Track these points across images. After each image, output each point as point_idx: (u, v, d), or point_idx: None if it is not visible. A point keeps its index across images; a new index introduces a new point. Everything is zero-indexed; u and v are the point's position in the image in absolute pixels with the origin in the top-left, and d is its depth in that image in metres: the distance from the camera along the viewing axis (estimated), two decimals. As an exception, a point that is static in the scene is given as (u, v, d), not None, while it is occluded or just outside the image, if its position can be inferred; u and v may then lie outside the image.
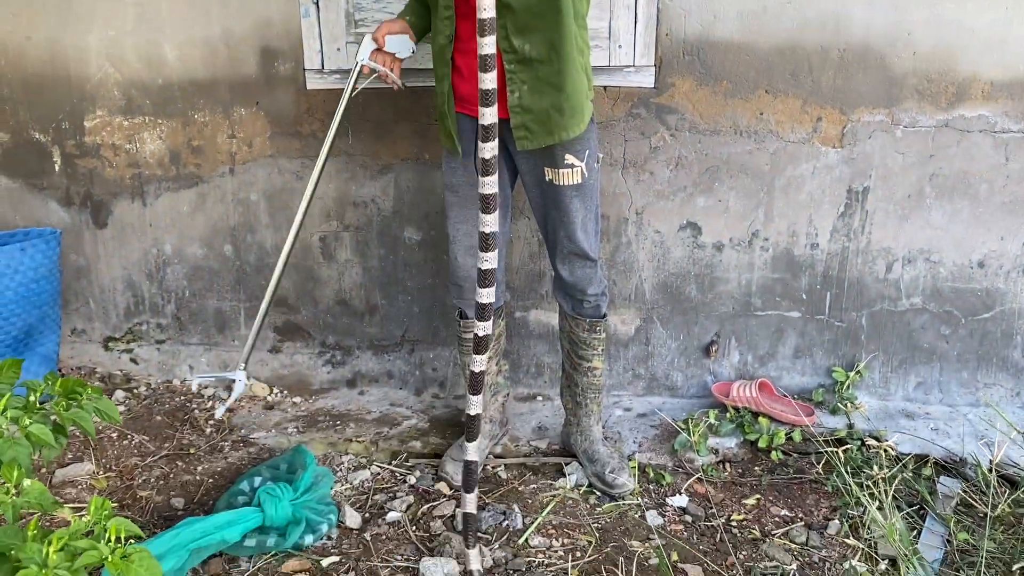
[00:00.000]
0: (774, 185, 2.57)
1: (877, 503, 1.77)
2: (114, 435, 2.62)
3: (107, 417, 1.49)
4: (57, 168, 2.90)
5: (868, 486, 2.05)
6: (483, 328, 1.79)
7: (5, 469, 1.22)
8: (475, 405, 1.88)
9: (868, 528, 2.08)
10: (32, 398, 1.40)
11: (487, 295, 1.77)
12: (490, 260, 1.74)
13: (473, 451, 1.92)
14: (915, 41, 2.41)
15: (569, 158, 2.11)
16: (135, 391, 2.90)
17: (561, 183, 2.13)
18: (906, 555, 1.71)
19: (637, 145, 2.58)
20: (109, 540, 1.21)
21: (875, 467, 2.21)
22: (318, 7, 2.59)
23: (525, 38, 2.00)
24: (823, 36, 2.43)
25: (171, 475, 2.43)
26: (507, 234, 2.35)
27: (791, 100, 2.50)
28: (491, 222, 1.71)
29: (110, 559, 1.18)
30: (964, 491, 2.26)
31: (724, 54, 2.48)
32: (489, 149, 1.65)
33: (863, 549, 2.03)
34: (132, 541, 1.29)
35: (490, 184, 1.68)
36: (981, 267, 2.57)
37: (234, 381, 2.56)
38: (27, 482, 1.26)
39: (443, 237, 2.75)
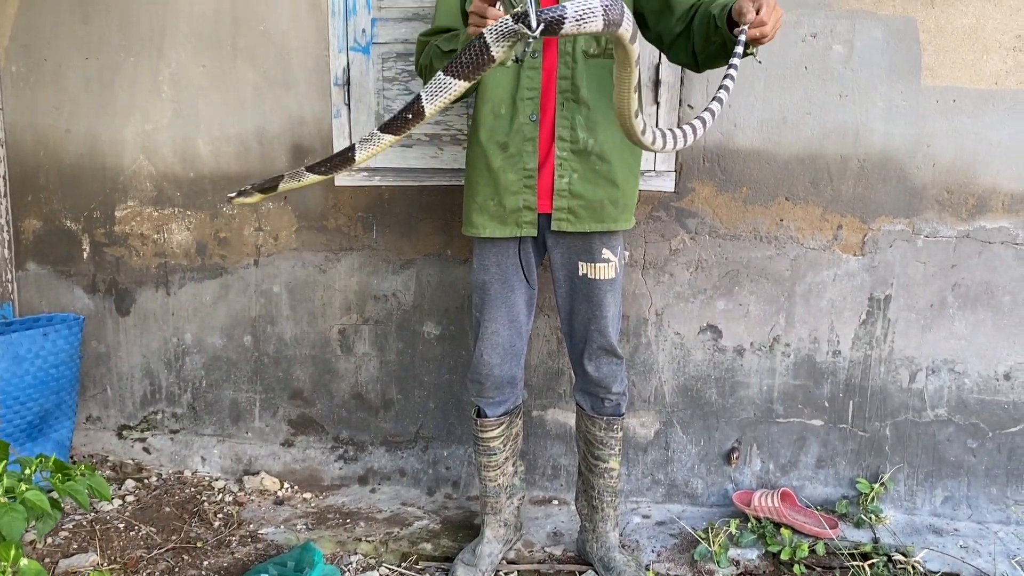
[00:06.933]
0: (795, 291, 2.57)
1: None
2: (121, 526, 2.57)
3: (99, 493, 1.48)
4: (85, 256, 2.95)
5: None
6: None
7: (2, 548, 1.20)
8: None
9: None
10: (27, 471, 1.39)
11: None
12: None
13: None
14: (934, 153, 2.45)
15: (606, 252, 2.13)
16: (146, 481, 2.86)
17: (596, 277, 2.15)
18: None
19: (657, 247, 2.60)
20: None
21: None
22: (349, 108, 2.68)
23: (592, 134, 2.05)
24: (842, 146, 2.48)
25: (177, 569, 2.37)
26: (529, 331, 2.35)
27: (811, 208, 2.52)
28: None
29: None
30: (998, 614, 2.16)
31: (744, 162, 2.52)
32: None
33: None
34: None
35: None
36: (1007, 379, 2.52)
37: None
38: (24, 561, 1.23)
39: (462, 332, 2.75)
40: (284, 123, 2.74)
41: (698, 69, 1.97)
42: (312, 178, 1.66)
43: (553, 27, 1.19)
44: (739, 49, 1.64)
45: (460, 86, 1.30)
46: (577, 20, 1.20)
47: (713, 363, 2.65)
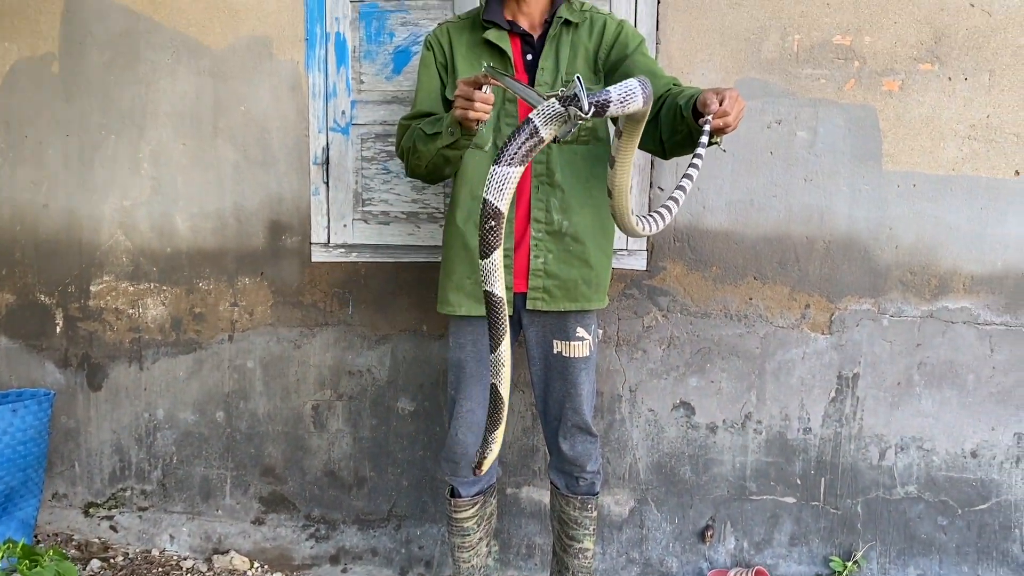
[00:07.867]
0: (765, 368, 2.61)
1: None
2: (84, 609, 2.50)
3: (66, 580, 1.46)
4: (58, 330, 2.93)
5: None
6: None
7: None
8: None
9: None
10: (-4, 559, 1.38)
11: None
12: None
13: None
14: (897, 235, 2.52)
15: (580, 331, 2.16)
16: (111, 561, 2.80)
17: (570, 356, 2.17)
18: None
19: (630, 324, 2.64)
20: None
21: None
22: (328, 186, 2.72)
23: (566, 216, 2.10)
24: (808, 228, 2.55)
25: (140, 655, 2.31)
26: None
27: (779, 287, 2.58)
28: None
29: None
30: None
31: (713, 241, 2.59)
32: None
33: None
34: None
35: None
36: (974, 457, 2.56)
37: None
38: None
39: (436, 408, 2.75)
40: (263, 200, 2.78)
41: (665, 156, 2.04)
42: (504, 391, 1.54)
43: (601, 109, 1.25)
44: (704, 139, 1.71)
45: (518, 171, 1.34)
46: (621, 102, 1.27)
47: (687, 440, 2.67)
